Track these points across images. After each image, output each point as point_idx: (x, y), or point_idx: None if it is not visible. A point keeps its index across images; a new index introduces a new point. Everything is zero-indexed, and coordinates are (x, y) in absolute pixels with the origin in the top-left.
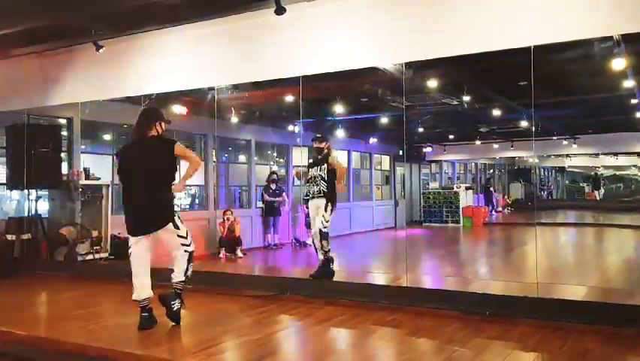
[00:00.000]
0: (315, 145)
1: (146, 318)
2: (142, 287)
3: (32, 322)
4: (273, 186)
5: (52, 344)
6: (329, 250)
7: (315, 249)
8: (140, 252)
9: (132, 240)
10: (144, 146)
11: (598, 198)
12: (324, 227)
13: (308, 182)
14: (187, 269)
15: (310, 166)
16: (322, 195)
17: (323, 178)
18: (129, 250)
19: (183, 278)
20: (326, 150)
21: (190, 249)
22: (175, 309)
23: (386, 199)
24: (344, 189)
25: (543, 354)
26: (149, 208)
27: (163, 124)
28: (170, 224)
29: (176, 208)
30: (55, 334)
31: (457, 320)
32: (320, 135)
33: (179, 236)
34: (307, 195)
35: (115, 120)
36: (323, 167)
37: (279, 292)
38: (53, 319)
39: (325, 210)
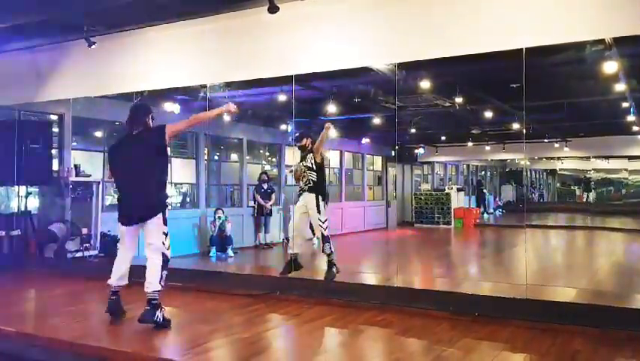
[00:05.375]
0: (297, 145)
1: (113, 301)
2: (120, 277)
3: (21, 319)
4: (265, 186)
5: (40, 341)
6: (332, 253)
7: (289, 242)
8: (125, 242)
9: (121, 228)
10: (133, 140)
11: (585, 200)
12: (324, 228)
13: (297, 180)
14: (161, 277)
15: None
16: (312, 185)
17: (310, 168)
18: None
19: (159, 288)
20: (309, 145)
21: (168, 254)
22: (160, 321)
23: (378, 200)
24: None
25: (532, 355)
26: (139, 200)
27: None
28: (160, 216)
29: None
30: (44, 331)
31: (446, 320)
32: (298, 134)
33: (164, 234)
34: (300, 193)
35: (106, 117)
36: (309, 156)
37: (270, 291)
38: (42, 316)
39: (318, 210)
